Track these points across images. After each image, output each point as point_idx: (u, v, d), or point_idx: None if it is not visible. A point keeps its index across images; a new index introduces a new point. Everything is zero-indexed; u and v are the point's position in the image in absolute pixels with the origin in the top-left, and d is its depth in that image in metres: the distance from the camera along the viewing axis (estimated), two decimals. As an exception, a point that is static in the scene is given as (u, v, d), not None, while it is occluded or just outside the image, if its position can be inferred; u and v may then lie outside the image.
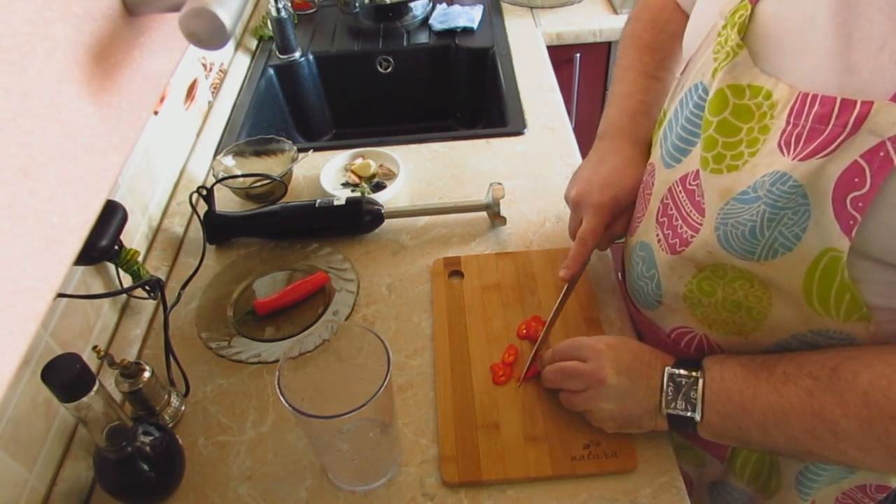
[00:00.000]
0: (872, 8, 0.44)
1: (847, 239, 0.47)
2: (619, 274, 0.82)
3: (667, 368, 0.60)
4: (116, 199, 0.81)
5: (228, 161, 1.03)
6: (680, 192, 0.60)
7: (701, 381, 0.58)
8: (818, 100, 0.47)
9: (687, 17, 0.66)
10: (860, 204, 0.45)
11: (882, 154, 0.43)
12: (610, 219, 0.74)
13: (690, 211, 0.58)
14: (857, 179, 0.45)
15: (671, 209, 0.61)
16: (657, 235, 0.64)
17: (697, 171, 0.57)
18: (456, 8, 1.50)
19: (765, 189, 0.49)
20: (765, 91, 0.50)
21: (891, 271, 0.48)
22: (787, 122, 0.49)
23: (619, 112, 0.80)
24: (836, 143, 0.45)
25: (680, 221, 0.60)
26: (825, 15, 0.46)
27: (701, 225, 0.56)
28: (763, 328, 0.57)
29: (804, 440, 0.53)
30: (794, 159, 0.47)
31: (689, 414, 0.58)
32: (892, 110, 0.42)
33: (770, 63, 0.51)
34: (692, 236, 0.57)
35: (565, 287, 0.75)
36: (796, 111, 0.48)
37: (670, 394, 0.60)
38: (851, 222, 0.46)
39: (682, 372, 0.60)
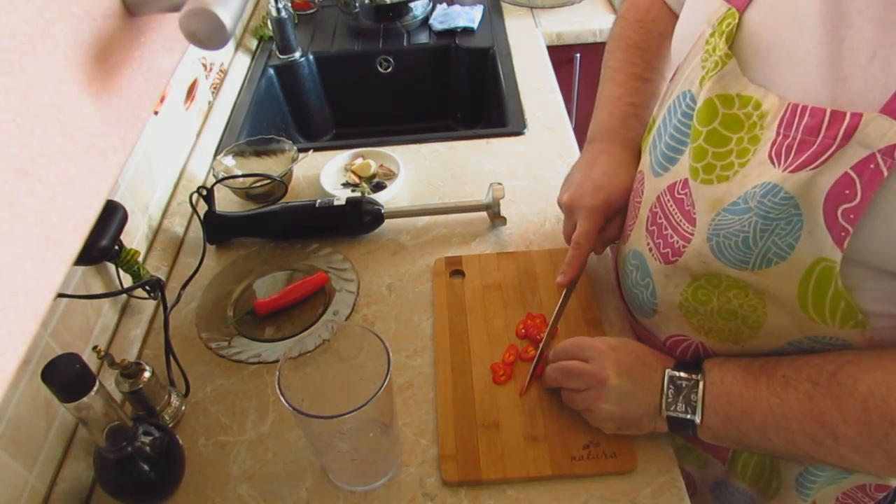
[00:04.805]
0: (862, 18, 0.43)
1: (839, 250, 0.46)
2: (616, 278, 0.82)
3: (667, 371, 0.60)
4: (116, 199, 0.81)
5: (228, 161, 1.03)
6: (668, 201, 0.59)
7: (701, 384, 0.58)
8: (808, 111, 0.46)
9: (675, 16, 0.65)
10: (851, 216, 0.45)
11: (872, 166, 0.43)
12: (603, 222, 0.73)
13: (680, 220, 0.58)
14: (847, 191, 0.44)
15: (660, 218, 0.61)
16: (648, 244, 0.63)
17: (686, 179, 0.56)
18: (456, 8, 1.50)
19: (756, 200, 0.49)
20: (754, 101, 0.50)
21: (885, 278, 0.48)
22: (778, 133, 0.48)
23: (609, 114, 0.79)
24: (826, 155, 0.45)
25: (670, 231, 0.59)
26: (815, 24, 0.46)
27: (692, 235, 0.56)
28: (759, 336, 0.57)
29: (804, 444, 0.53)
30: (784, 171, 0.47)
31: (689, 416, 0.58)
32: (882, 122, 0.42)
33: (759, 72, 0.50)
34: (684, 246, 0.57)
35: (564, 291, 0.75)
36: (786, 122, 0.48)
37: (670, 396, 0.59)
38: (843, 234, 0.46)
39: (683, 374, 0.60)
